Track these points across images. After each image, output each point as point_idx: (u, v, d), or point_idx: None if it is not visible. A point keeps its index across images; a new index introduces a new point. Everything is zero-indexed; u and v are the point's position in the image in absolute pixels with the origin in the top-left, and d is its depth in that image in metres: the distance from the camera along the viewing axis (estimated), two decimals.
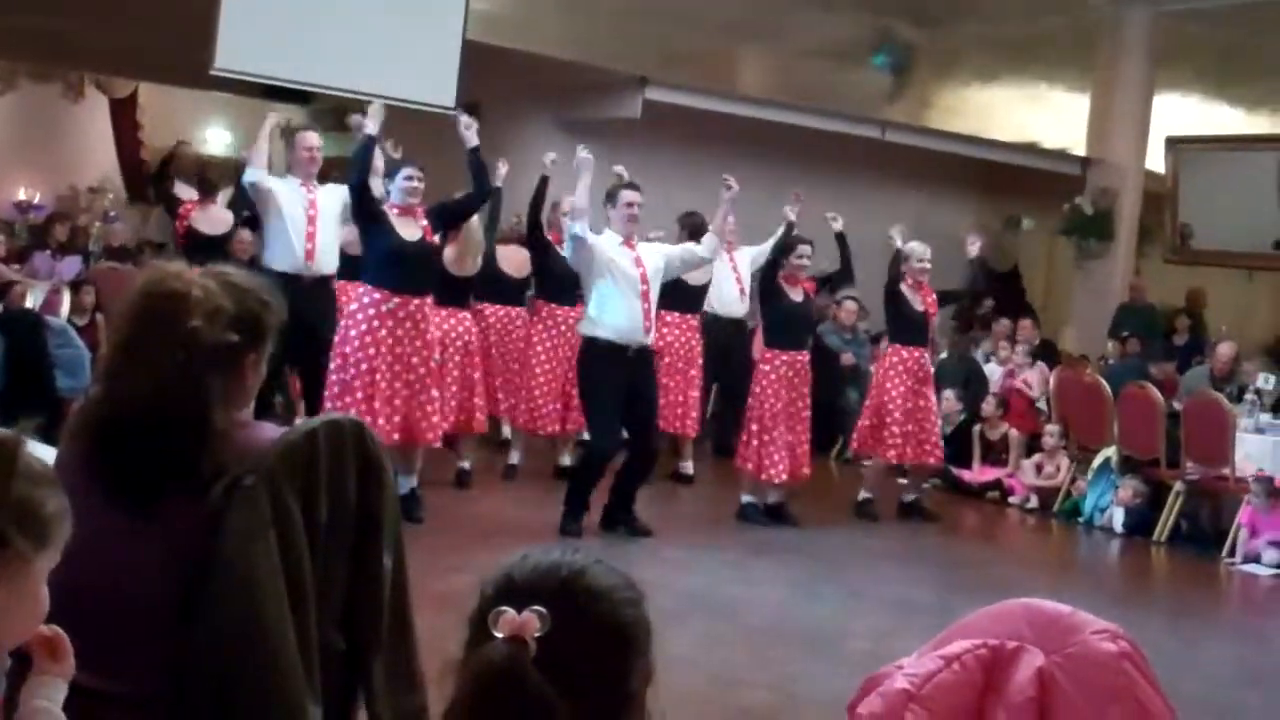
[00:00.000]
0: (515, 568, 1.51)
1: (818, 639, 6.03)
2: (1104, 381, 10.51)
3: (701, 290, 9.73)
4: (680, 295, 9.25)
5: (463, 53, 10.71)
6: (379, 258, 7.45)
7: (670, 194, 10.34)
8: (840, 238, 9.26)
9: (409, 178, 7.62)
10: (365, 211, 7.52)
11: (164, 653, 2.41)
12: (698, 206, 9.61)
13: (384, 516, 2.66)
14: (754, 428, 8.50)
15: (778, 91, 12.88)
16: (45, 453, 2.66)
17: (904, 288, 9.13)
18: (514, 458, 9.33)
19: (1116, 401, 10.12)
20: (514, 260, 9.48)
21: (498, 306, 9.43)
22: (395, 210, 7.57)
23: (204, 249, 8.81)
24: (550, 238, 9.01)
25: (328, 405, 7.20)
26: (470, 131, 7.74)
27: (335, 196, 8.16)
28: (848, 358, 11.38)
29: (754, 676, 5.44)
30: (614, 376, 7.38)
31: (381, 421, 7.07)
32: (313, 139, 8.43)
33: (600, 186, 10.33)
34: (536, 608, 1.43)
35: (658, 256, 7.76)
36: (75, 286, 9.37)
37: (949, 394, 10.63)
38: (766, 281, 8.87)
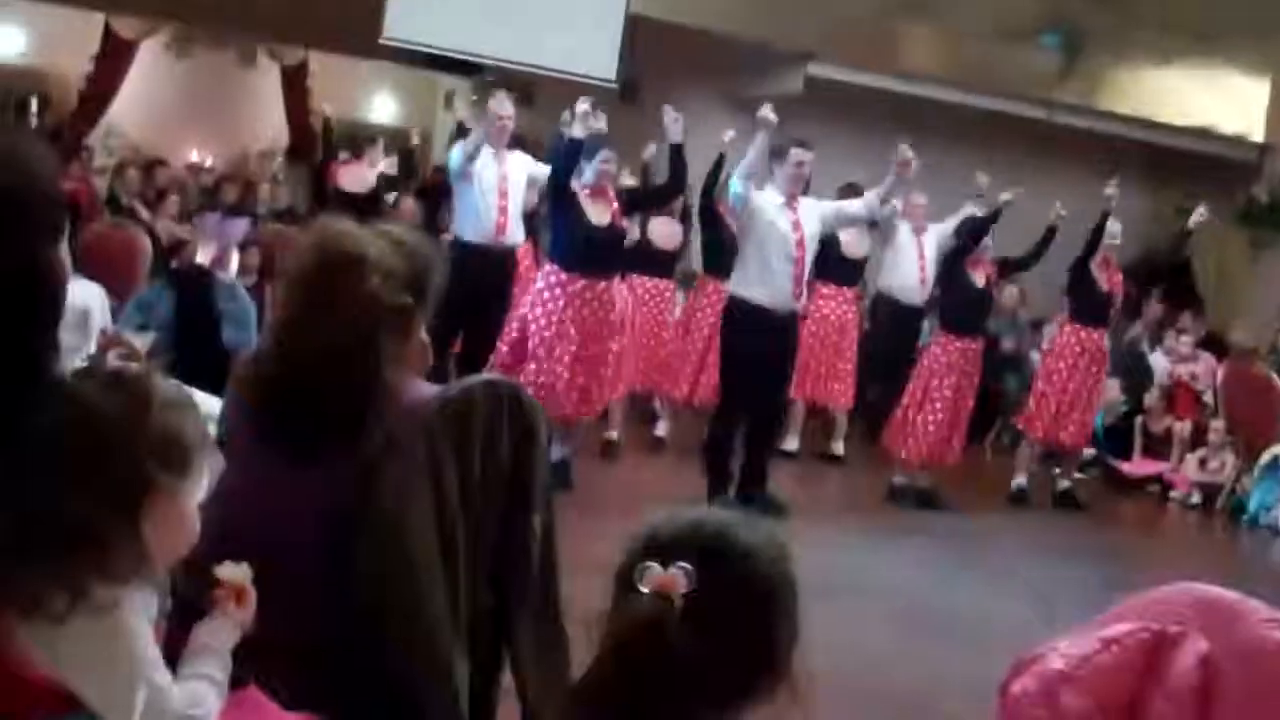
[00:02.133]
0: (662, 524, 1.50)
1: (963, 624, 5.95)
2: (1275, 376, 10.17)
3: (861, 263, 9.60)
4: (837, 266, 9.14)
5: (626, 26, 10.73)
6: (568, 240, 7.40)
7: (832, 171, 10.21)
8: (1052, 230, 9.02)
9: (605, 160, 7.50)
10: (562, 203, 7.45)
11: (316, 601, 2.46)
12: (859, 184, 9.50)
13: (535, 479, 2.69)
14: (912, 410, 8.38)
15: (943, 69, 12.67)
16: (211, 403, 2.74)
17: (1092, 265, 8.95)
18: (661, 429, 9.33)
19: None
20: (663, 233, 9.46)
21: (646, 278, 9.40)
22: (586, 191, 7.45)
23: (348, 206, 8.92)
24: (720, 210, 8.89)
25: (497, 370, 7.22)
26: (676, 125, 7.61)
27: (523, 166, 8.06)
28: (1008, 344, 11.16)
29: (898, 659, 5.38)
30: (757, 343, 7.21)
31: (559, 391, 7.15)
32: (506, 106, 8.19)
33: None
34: (683, 564, 1.42)
35: (814, 219, 7.54)
36: (243, 247, 9.60)
37: (1112, 383, 10.35)
38: (949, 263, 8.71)
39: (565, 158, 7.36)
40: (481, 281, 7.48)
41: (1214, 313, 13.37)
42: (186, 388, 2.03)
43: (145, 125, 15.89)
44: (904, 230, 9.88)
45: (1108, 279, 9.00)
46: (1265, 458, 9.86)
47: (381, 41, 10.35)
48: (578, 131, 7.26)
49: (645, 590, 1.41)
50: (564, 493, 6.68)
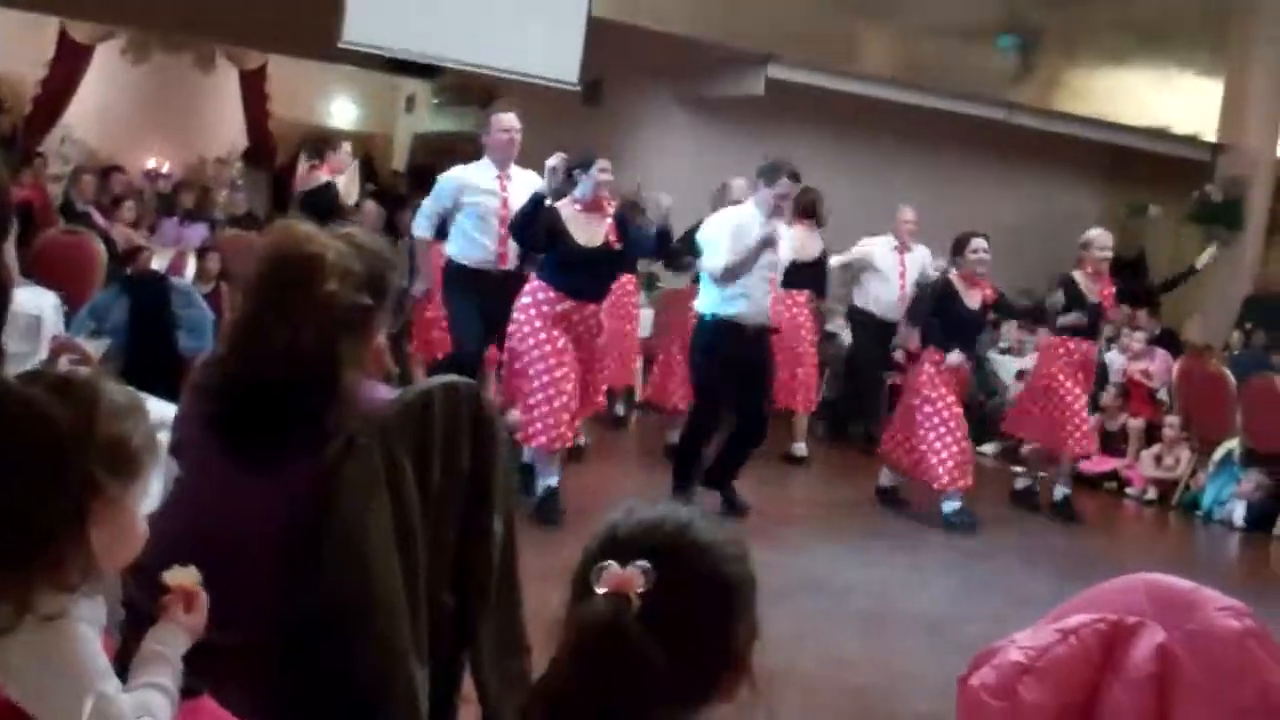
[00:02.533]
0: (619, 522, 1.50)
1: (928, 622, 5.97)
2: (1228, 372, 10.27)
3: (813, 265, 9.59)
4: (791, 272, 9.15)
5: (588, 29, 10.73)
6: (555, 259, 6.84)
7: None
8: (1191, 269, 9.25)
9: (603, 169, 6.89)
10: (543, 242, 6.86)
11: (274, 604, 2.45)
12: (819, 185, 9.54)
13: (495, 481, 2.68)
14: (917, 428, 8.14)
15: (901, 71, 12.72)
16: (165, 409, 2.72)
17: (1080, 276, 8.75)
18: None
19: (1240, 393, 9.88)
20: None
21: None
22: (579, 207, 6.86)
23: (312, 210, 8.85)
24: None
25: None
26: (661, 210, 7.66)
27: (526, 187, 7.13)
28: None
29: (863, 657, 5.40)
30: (731, 355, 7.27)
31: (561, 405, 6.77)
32: (510, 120, 7.52)
33: (724, 162, 10.31)
34: (640, 563, 1.42)
35: (787, 245, 7.61)
36: (200, 253, 9.56)
37: None
38: (940, 284, 8.39)
39: (527, 212, 6.73)
40: (480, 305, 7.24)
41: (1168, 310, 13.48)
42: (139, 393, 2.01)
43: (101, 131, 15.76)
44: (885, 250, 9.96)
45: (1099, 291, 8.79)
46: (1219, 453, 9.95)
47: (340, 45, 10.29)
48: (543, 185, 6.76)
49: (603, 589, 1.41)
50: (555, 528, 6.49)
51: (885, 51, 12.91)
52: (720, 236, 7.29)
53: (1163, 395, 11.05)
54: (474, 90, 16.58)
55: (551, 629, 1.49)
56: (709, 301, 7.40)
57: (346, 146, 10.10)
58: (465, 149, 15.90)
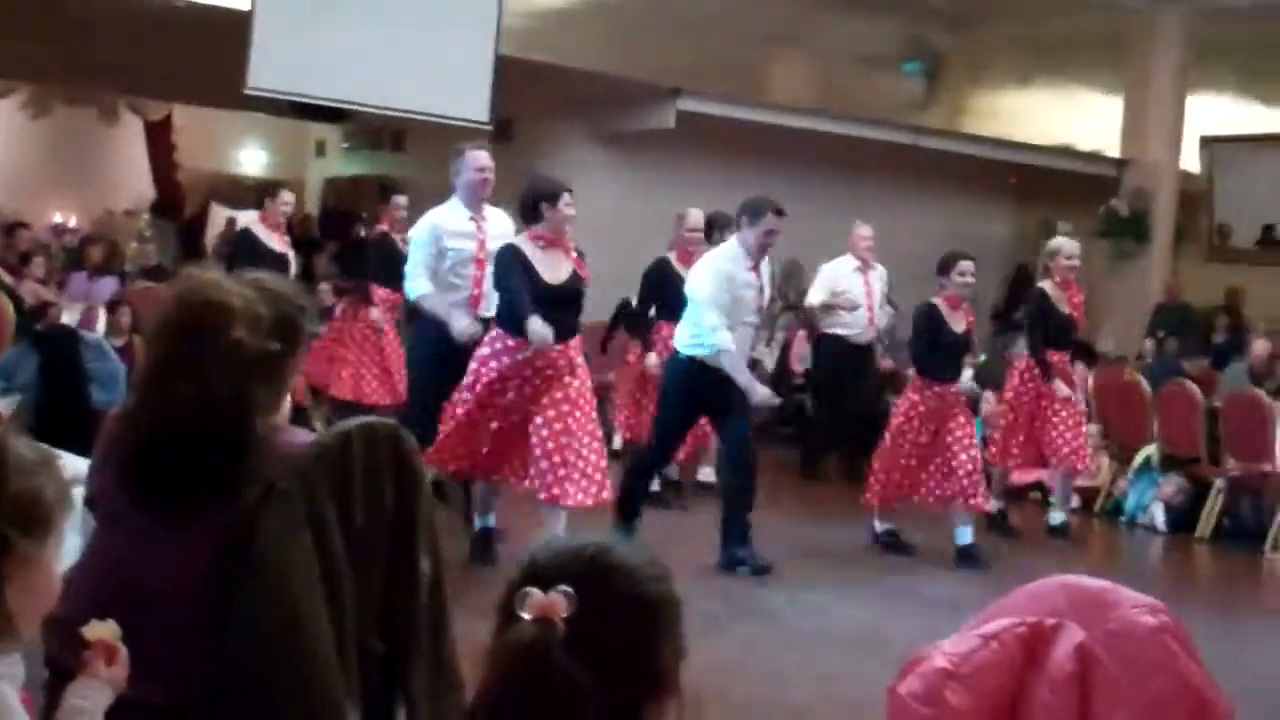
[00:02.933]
0: (539, 551, 1.51)
1: (862, 639, 5.99)
2: (1143, 380, 10.45)
3: None
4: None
5: (496, 68, 10.75)
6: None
7: (705, 203, 10.32)
8: None
9: (569, 204, 6.39)
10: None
11: (198, 658, 2.41)
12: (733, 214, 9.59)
13: (420, 519, 2.66)
14: (899, 462, 7.94)
15: (810, 99, 12.88)
16: (79, 463, 2.68)
17: (1048, 287, 8.69)
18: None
19: (1155, 400, 10.06)
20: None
21: None
22: (543, 242, 6.36)
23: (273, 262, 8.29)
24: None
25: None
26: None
27: (502, 227, 6.95)
28: (888, 363, 11.21)
29: (799, 677, 5.41)
30: (700, 396, 7.08)
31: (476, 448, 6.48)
32: (484, 158, 7.01)
33: (638, 196, 10.36)
34: (563, 588, 1.42)
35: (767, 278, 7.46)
36: (111, 307, 9.44)
37: (989, 395, 10.50)
38: (924, 309, 8.12)
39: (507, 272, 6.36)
40: (450, 354, 6.70)
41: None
42: (50, 448, 1.98)
43: (4, 187, 15.56)
44: (847, 270, 9.83)
45: (1069, 300, 8.75)
46: (1139, 459, 10.13)
47: (246, 92, 10.23)
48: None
49: (527, 616, 1.41)
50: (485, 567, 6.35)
51: (793, 80, 13.07)
52: (707, 283, 7.01)
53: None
54: (384, 133, 16.57)
55: (479, 661, 1.49)
56: (689, 340, 7.10)
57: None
58: (377, 191, 15.86)
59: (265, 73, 10.14)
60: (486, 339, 6.47)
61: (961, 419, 7.94)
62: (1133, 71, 14.32)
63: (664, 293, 8.64)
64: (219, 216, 17.92)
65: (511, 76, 10.79)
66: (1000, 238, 15.39)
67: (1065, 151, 14.38)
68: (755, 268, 7.13)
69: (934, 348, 7.94)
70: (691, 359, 7.07)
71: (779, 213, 7.10)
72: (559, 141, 13.07)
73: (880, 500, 8.00)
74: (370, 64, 10.38)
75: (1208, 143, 14.27)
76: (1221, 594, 8.29)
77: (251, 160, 18.81)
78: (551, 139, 13.10)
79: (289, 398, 2.69)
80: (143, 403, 2.55)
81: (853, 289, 9.84)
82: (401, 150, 16.54)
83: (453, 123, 10.80)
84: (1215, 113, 14.33)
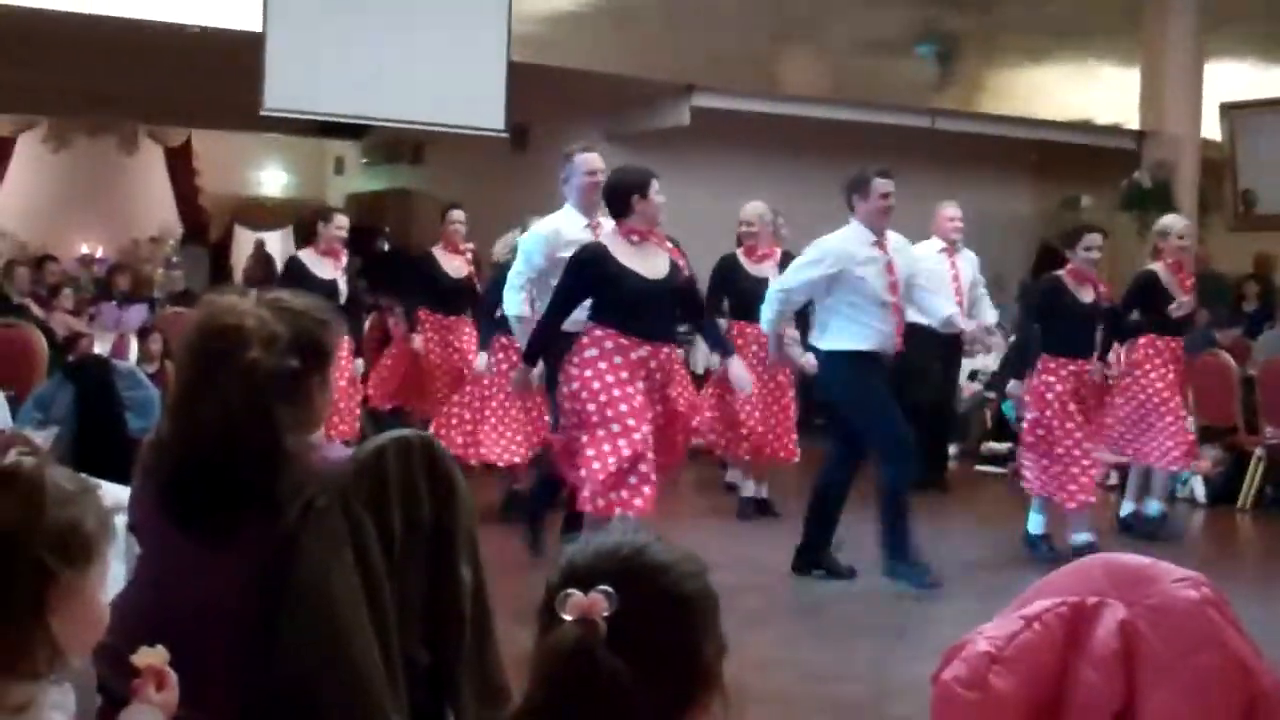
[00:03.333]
0: (577, 553, 1.52)
1: (905, 628, 5.98)
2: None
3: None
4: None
5: (509, 75, 10.78)
6: (614, 299, 5.76)
7: (722, 198, 10.33)
8: None
9: (659, 192, 5.89)
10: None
11: (246, 679, 2.43)
12: None
13: (459, 529, 2.67)
14: (1058, 451, 7.31)
15: (824, 89, 12.85)
16: (120, 491, 2.71)
17: (1160, 269, 8.13)
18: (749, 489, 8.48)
19: (1189, 372, 9.99)
20: None
21: None
22: (636, 236, 5.79)
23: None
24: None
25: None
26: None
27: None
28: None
29: (843, 670, 5.40)
30: (877, 385, 6.55)
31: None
32: (594, 161, 6.68)
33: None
34: (603, 588, 1.43)
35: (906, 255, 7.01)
36: (142, 334, 9.51)
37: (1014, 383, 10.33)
38: (1047, 282, 7.77)
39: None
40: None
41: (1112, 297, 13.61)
42: (88, 478, 2.00)
43: (30, 221, 15.69)
44: (931, 252, 8.98)
45: (1181, 282, 8.12)
46: None
47: (264, 113, 10.29)
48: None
49: (569, 617, 1.42)
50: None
51: (806, 71, 13.05)
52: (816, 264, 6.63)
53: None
54: (403, 146, 16.62)
55: (523, 668, 1.50)
56: (834, 337, 6.63)
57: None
58: (399, 206, 15.93)
59: (281, 92, 10.20)
60: (590, 337, 5.77)
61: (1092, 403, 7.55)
62: (1148, 41, 14.23)
63: (728, 290, 8.42)
64: (244, 239, 18.02)
65: (525, 83, 10.81)
66: (1023, 216, 15.31)
67: (1084, 126, 14.30)
68: (880, 244, 6.67)
69: (1059, 319, 7.44)
70: (842, 353, 6.59)
71: (884, 174, 6.75)
72: (575, 144, 13.08)
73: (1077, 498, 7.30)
74: (384, 78, 10.42)
75: (1228, 110, 14.17)
76: (1265, 564, 8.24)
77: (272, 181, 18.89)
78: (568, 143, 13.08)
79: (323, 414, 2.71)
80: (171, 428, 2.58)
81: (937, 272, 8.79)
82: (421, 163, 16.60)
83: (469, 132, 10.84)
84: (1234, 79, 14.23)
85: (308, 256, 8.40)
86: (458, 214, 9.06)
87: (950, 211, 9.31)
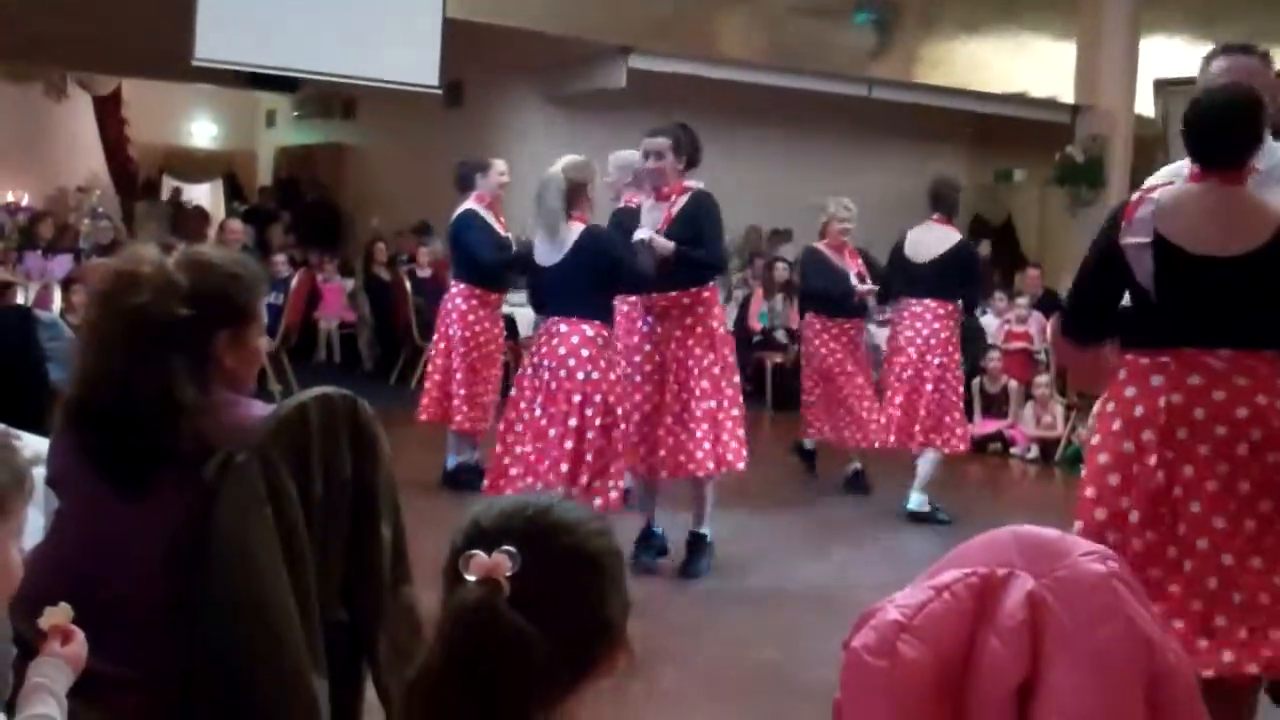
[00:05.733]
0: (482, 514, 1.52)
1: (824, 595, 6.03)
2: None
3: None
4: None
5: (444, 31, 10.68)
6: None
7: None
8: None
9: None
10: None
11: (166, 633, 2.41)
12: None
13: (380, 488, 2.66)
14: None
15: (762, 54, 12.83)
16: (39, 443, 2.67)
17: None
18: None
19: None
20: None
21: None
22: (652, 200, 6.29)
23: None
24: None
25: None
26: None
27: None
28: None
29: (762, 636, 5.45)
30: None
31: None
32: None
33: (592, 156, 10.26)
34: (506, 547, 1.44)
35: None
36: (66, 285, 9.37)
37: None
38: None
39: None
40: None
41: (1045, 272, 13.75)
42: (7, 429, 1.98)
43: None
44: None
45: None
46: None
47: (195, 63, 10.14)
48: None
49: (472, 578, 1.43)
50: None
51: (745, 36, 13.01)
52: None
53: (1041, 356, 11.29)
54: (335, 101, 16.46)
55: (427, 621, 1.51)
56: None
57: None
58: (331, 160, 15.77)
59: (213, 43, 10.05)
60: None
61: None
62: (1085, 16, 14.32)
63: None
64: (170, 190, 17.80)
65: (460, 39, 10.72)
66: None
67: (1020, 99, 14.39)
68: None
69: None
70: None
71: None
72: (510, 104, 13.01)
73: None
74: (318, 31, 10.29)
75: (1162, 86, 14.29)
76: None
77: (202, 132, 18.66)
78: (502, 101, 13.04)
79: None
80: (74, 375, 2.55)
81: None
82: (353, 118, 16.44)
83: (403, 88, 10.74)
84: (1169, 55, 14.34)
85: (481, 211, 7.99)
86: (501, 164, 8.33)
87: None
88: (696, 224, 6.06)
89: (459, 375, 7.82)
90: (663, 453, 6.07)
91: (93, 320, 2.50)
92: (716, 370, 6.10)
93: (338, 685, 2.59)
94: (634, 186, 6.90)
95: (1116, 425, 3.39)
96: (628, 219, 6.33)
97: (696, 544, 6.33)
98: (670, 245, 5.98)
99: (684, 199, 6.14)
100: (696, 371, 6.07)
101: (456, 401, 7.81)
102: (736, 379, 6.28)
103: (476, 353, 7.88)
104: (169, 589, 2.43)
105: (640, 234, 6.00)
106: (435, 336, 8.07)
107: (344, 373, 12.06)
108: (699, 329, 6.11)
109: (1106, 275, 3.43)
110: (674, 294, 6.08)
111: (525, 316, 10.28)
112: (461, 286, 7.91)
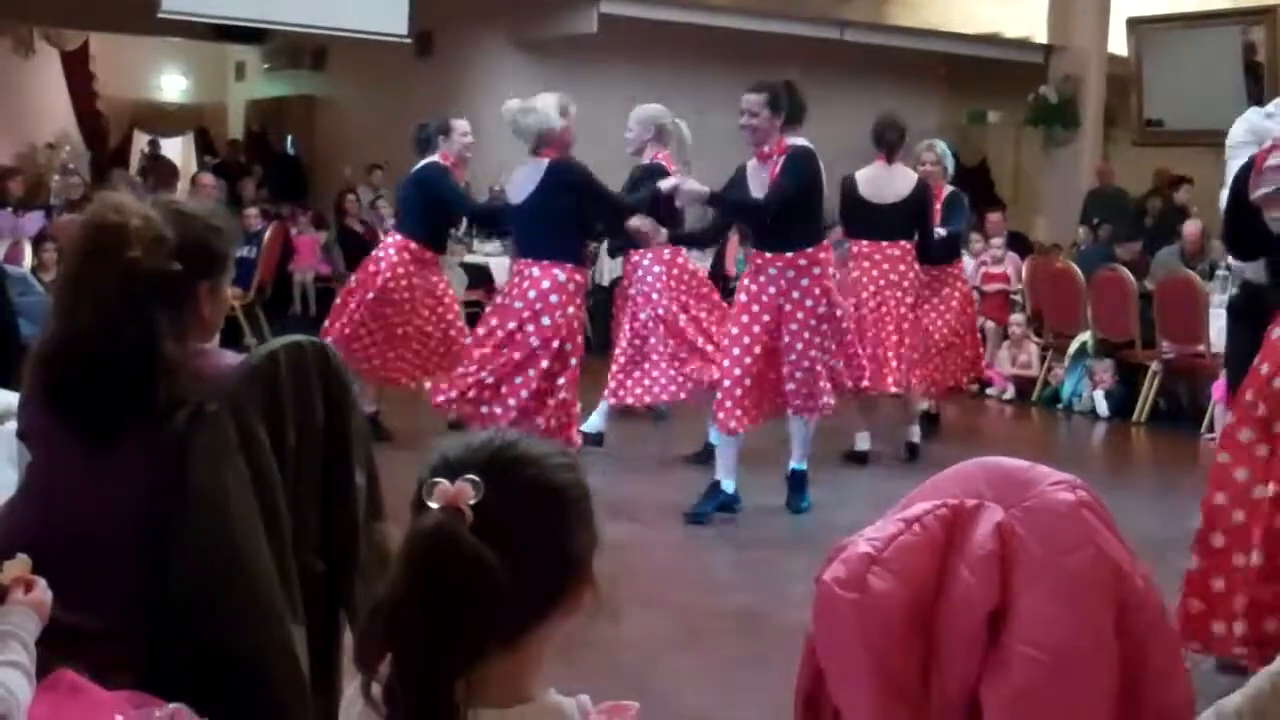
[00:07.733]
0: (450, 446, 1.53)
1: (801, 538, 6.05)
2: (1075, 267, 10.55)
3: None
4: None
5: None
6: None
7: (629, 109, 10.25)
8: None
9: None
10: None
11: (137, 585, 2.41)
12: None
13: (353, 435, 2.66)
14: None
15: None
16: (10, 397, 2.66)
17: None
18: None
19: (1088, 286, 10.15)
20: None
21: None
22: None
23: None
24: None
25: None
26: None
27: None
28: None
29: (739, 579, 5.47)
30: None
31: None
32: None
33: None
34: (470, 476, 1.44)
35: None
36: (37, 241, 9.30)
37: None
38: None
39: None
40: None
41: (1015, 212, 13.77)
42: None
43: None
44: None
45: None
46: (1073, 346, 10.25)
47: (161, 15, 10.03)
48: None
49: (435, 505, 1.43)
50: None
51: None
52: None
53: (1016, 297, 11.32)
54: (304, 52, 16.31)
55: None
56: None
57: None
58: (301, 112, 15.65)
59: None
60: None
61: None
62: None
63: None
64: (143, 145, 17.65)
65: None
66: (930, 131, 15.38)
67: (993, 40, 14.36)
68: None
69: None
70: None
71: None
72: (480, 51, 12.91)
73: None
74: None
75: (1135, 24, 14.27)
76: (1159, 476, 8.44)
77: (172, 86, 18.50)
78: (472, 49, 12.94)
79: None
80: (54, 327, 2.53)
81: None
82: (322, 69, 16.31)
83: (372, 37, 10.65)
84: None
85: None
86: (463, 124, 7.87)
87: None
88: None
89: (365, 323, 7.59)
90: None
91: (77, 273, 2.45)
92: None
93: (316, 633, 2.59)
94: (658, 143, 6.98)
95: None
96: (652, 176, 6.40)
97: (797, 480, 6.55)
98: (703, 189, 6.01)
99: (783, 159, 6.07)
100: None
101: (356, 346, 7.55)
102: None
103: (390, 308, 7.57)
104: (140, 540, 2.43)
105: (665, 182, 6.07)
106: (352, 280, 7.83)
107: (320, 325, 11.99)
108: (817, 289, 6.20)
109: (1244, 221, 3.47)
110: (789, 255, 6.11)
111: (500, 265, 10.25)
112: (398, 238, 7.65)
